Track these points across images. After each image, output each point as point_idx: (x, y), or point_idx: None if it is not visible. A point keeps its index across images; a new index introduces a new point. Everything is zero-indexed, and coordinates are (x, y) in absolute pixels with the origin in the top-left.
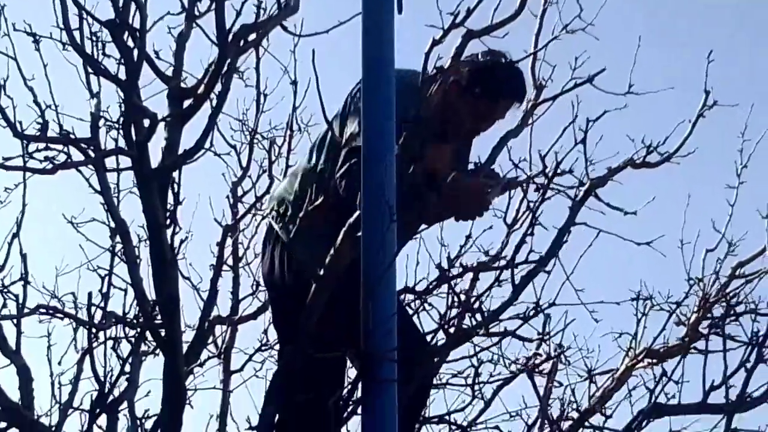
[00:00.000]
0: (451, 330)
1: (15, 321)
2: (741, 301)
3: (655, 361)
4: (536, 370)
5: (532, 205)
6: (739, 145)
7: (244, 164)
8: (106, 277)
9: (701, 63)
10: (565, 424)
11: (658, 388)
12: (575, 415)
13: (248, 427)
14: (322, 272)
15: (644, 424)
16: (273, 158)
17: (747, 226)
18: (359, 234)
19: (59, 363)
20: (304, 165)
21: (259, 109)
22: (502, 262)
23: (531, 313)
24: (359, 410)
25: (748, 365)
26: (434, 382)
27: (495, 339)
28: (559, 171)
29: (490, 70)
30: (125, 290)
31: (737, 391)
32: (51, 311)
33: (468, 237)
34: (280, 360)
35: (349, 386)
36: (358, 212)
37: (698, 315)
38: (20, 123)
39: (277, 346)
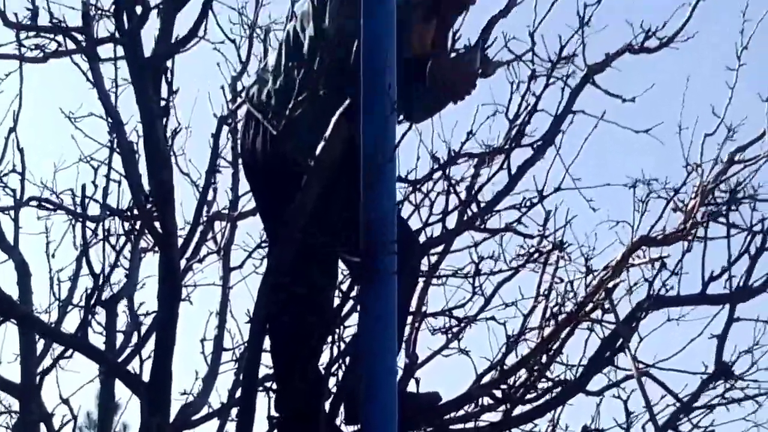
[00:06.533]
0: (449, 222)
1: (12, 215)
2: (740, 187)
3: (652, 257)
4: (536, 265)
5: (530, 92)
6: (740, 25)
7: (244, 58)
8: (100, 168)
9: None
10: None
11: (657, 279)
12: (572, 307)
13: (247, 321)
14: (312, 164)
15: (643, 315)
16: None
17: (747, 110)
18: (350, 123)
19: (53, 255)
20: (288, 46)
21: (259, 2)
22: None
23: (529, 203)
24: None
25: (751, 253)
26: (422, 277)
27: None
28: (563, 56)
29: None
30: (119, 182)
31: (737, 280)
32: (44, 202)
33: (469, 133)
34: (269, 258)
35: (346, 281)
36: (348, 101)
37: (696, 201)
38: (15, 14)
39: None
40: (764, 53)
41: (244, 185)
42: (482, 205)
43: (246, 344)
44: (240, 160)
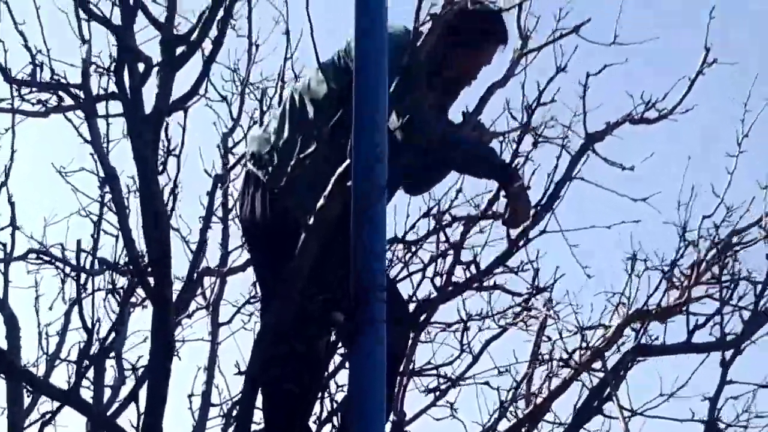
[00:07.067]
0: (440, 281)
1: (3, 268)
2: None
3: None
4: (526, 324)
5: (525, 157)
6: (741, 115)
7: (235, 115)
8: (97, 223)
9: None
10: (555, 381)
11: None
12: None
13: (237, 372)
14: (311, 221)
15: (630, 365)
16: (264, 109)
17: (746, 196)
18: (349, 183)
19: (50, 308)
20: (293, 111)
21: (251, 59)
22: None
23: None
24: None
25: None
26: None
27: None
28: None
29: (470, 16)
30: (117, 236)
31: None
32: (41, 255)
33: (459, 191)
34: (265, 315)
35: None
36: (348, 161)
37: (691, 281)
38: (9, 70)
39: None
40: (764, 141)
41: (233, 240)
42: (479, 268)
43: (238, 398)
44: (236, 219)
